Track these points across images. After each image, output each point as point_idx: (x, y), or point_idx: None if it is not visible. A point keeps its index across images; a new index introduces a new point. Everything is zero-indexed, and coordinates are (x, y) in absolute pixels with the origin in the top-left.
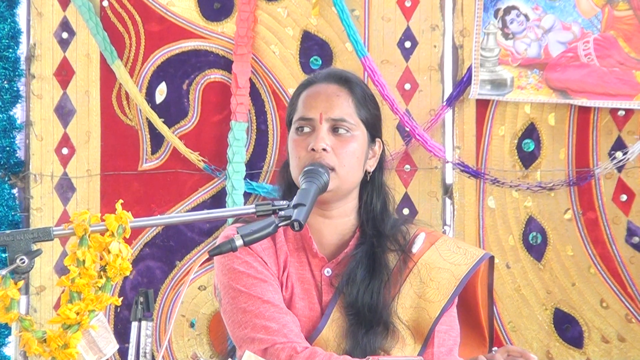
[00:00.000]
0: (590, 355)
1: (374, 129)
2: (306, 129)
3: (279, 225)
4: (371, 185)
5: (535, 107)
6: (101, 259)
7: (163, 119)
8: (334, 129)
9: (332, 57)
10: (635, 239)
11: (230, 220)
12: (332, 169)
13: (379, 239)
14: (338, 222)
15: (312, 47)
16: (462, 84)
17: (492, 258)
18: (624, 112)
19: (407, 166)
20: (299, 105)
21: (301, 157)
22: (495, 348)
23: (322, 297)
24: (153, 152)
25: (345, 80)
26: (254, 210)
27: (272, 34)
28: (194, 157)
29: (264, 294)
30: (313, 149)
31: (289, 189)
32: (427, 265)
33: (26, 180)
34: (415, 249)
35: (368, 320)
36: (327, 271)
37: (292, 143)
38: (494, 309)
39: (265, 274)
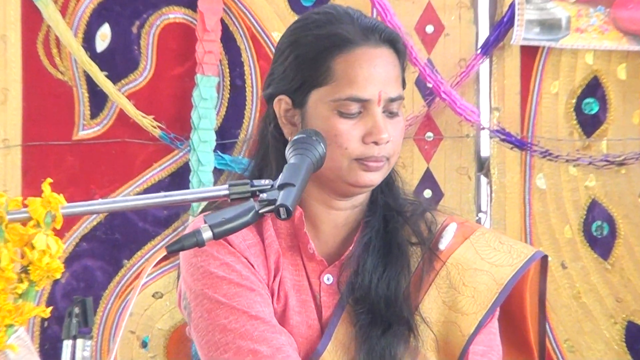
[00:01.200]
0: None
1: None
2: (354, 110)
3: (260, 212)
4: None
5: (599, 55)
6: (22, 257)
7: (106, 73)
8: (386, 109)
9: None
10: None
11: (195, 205)
12: (387, 159)
13: (393, 215)
14: (348, 213)
15: None
16: (502, 26)
17: (545, 258)
18: None
19: (430, 134)
20: (339, 75)
21: (351, 148)
22: None
23: (321, 311)
24: (93, 117)
25: (391, 40)
26: (226, 192)
27: None
28: (147, 122)
29: (250, 307)
30: (375, 142)
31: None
32: (460, 265)
33: None
34: (443, 244)
35: (385, 318)
36: (328, 278)
37: (334, 128)
38: (546, 323)
39: (252, 280)
